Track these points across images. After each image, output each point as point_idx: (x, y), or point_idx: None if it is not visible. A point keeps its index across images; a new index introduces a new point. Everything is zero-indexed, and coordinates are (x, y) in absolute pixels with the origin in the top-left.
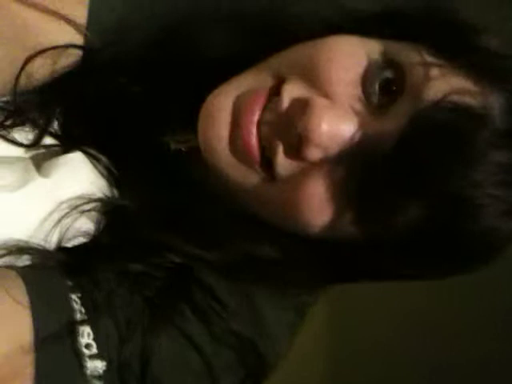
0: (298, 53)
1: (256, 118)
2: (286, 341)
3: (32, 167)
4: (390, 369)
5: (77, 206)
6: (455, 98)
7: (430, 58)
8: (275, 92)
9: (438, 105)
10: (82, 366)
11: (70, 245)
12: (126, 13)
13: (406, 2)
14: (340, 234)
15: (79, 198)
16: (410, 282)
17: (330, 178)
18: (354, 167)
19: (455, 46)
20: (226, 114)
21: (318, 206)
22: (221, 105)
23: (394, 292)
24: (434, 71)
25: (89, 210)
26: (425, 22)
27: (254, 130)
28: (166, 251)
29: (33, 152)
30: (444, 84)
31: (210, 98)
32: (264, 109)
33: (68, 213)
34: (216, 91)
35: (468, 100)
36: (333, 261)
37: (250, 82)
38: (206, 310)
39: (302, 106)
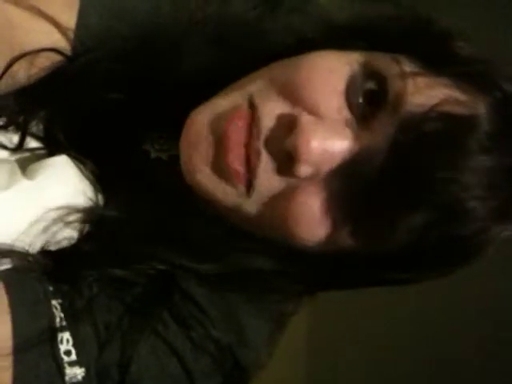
0: (276, 72)
1: (238, 138)
2: (265, 351)
3: (17, 169)
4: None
5: (62, 217)
6: (441, 106)
7: (411, 68)
8: (254, 111)
9: (425, 114)
10: (61, 373)
11: (52, 250)
12: (111, 20)
13: (384, 12)
14: (335, 245)
15: (64, 208)
16: (393, 292)
17: (321, 194)
18: (346, 181)
19: (437, 54)
20: (205, 135)
21: (310, 221)
22: (200, 126)
23: (379, 303)
24: (417, 80)
25: (73, 221)
26: (405, 32)
27: (236, 150)
28: (149, 260)
29: (18, 154)
30: (429, 93)
31: (190, 119)
32: (247, 128)
33: (53, 222)
34: (195, 112)
35: (454, 107)
36: (328, 270)
37: (227, 103)
38: (187, 317)
39: (288, 123)
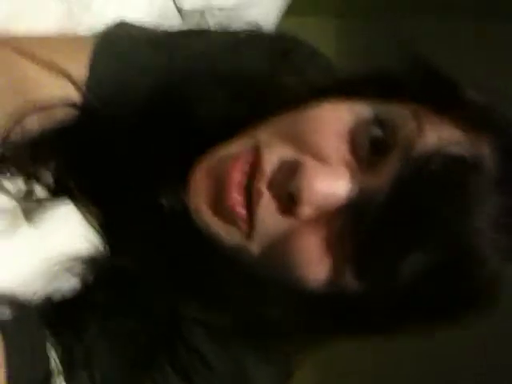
0: (283, 122)
1: (240, 178)
2: None
3: (21, 216)
4: None
5: (66, 266)
6: (446, 148)
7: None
8: (258, 156)
9: (428, 156)
10: None
11: (55, 300)
12: (122, 71)
13: (388, 60)
14: (339, 287)
15: (69, 257)
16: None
17: (323, 234)
18: (349, 223)
19: (443, 101)
20: (208, 177)
21: (311, 261)
22: (204, 169)
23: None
24: (423, 124)
25: (77, 271)
26: (412, 80)
27: (237, 190)
28: (158, 311)
29: (24, 201)
30: (434, 135)
31: (197, 166)
32: (249, 169)
33: (56, 271)
34: (202, 159)
35: (459, 149)
36: (334, 313)
37: (233, 149)
38: (190, 370)
39: (291, 167)
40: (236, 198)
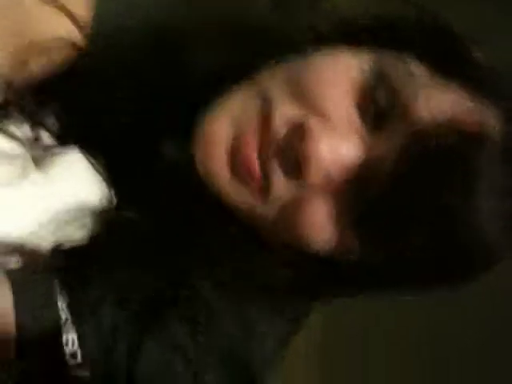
0: (288, 72)
1: (256, 144)
2: (277, 350)
3: (30, 163)
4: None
5: (74, 215)
6: (453, 117)
7: (422, 71)
8: (268, 118)
9: (435, 128)
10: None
11: (63, 249)
12: (125, 14)
13: (397, 12)
14: (344, 252)
15: (77, 205)
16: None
17: (331, 201)
18: (355, 190)
19: (449, 58)
20: (223, 140)
21: (319, 227)
22: (217, 131)
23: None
24: (428, 86)
25: (86, 220)
26: (419, 32)
27: (255, 156)
28: (165, 263)
29: (32, 148)
30: (439, 101)
31: (205, 123)
32: (261, 136)
33: (65, 220)
34: (209, 114)
35: (465, 117)
36: (337, 273)
37: (243, 106)
38: (195, 320)
39: (299, 130)
40: (252, 163)
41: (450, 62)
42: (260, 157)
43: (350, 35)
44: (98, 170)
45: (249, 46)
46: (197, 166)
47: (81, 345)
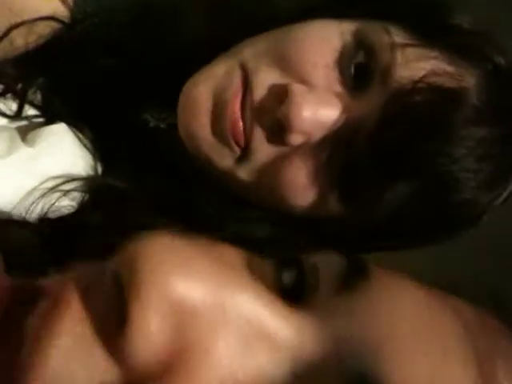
0: (269, 42)
1: (238, 108)
2: None
3: (17, 137)
4: None
5: (61, 185)
6: (431, 78)
7: (403, 37)
8: (247, 81)
9: (413, 86)
10: None
11: (50, 218)
12: None
13: None
14: (325, 211)
15: (64, 176)
16: None
17: (311, 162)
18: (336, 150)
19: (429, 24)
20: (205, 105)
21: (300, 188)
22: (199, 96)
23: None
24: (407, 51)
25: (72, 190)
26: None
27: (239, 119)
28: (150, 229)
29: (18, 122)
30: (418, 64)
31: (188, 89)
32: (243, 99)
33: (52, 190)
34: (192, 81)
35: (443, 79)
36: (319, 236)
37: (222, 70)
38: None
39: (279, 93)
40: (234, 123)
41: (430, 27)
42: (243, 120)
43: (333, 6)
44: (83, 142)
45: (229, 16)
46: (180, 132)
47: None
